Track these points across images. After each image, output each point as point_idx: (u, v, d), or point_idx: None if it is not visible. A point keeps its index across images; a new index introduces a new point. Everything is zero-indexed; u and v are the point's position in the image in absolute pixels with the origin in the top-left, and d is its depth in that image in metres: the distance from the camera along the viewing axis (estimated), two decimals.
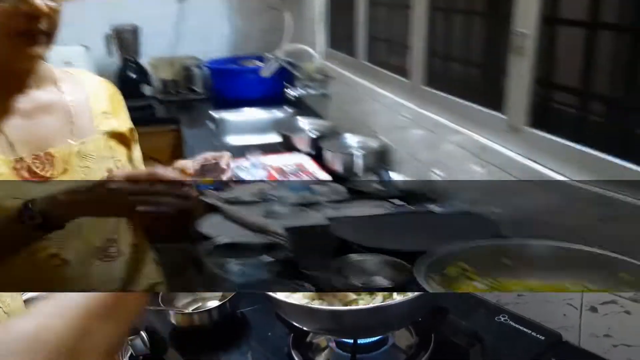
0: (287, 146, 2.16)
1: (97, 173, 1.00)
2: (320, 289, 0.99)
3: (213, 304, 1.05)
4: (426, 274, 0.81)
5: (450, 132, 1.54)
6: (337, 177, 1.82)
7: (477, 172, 1.43)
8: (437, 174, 1.67)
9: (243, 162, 1.87)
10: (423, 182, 1.71)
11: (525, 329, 0.80)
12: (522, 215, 1.24)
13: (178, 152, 2.62)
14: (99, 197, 0.86)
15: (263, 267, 1.09)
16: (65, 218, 0.87)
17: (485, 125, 1.41)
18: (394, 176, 1.77)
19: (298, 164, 1.91)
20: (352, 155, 1.91)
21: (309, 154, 2.05)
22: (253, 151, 1.89)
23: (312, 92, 2.67)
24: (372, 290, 0.95)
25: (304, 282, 1.02)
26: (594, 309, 0.78)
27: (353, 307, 0.79)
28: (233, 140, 2.64)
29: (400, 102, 1.87)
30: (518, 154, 1.27)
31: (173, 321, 1.00)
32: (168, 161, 2.70)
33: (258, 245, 1.22)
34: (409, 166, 1.85)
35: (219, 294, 1.09)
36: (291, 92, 2.65)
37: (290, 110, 2.82)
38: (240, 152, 2.00)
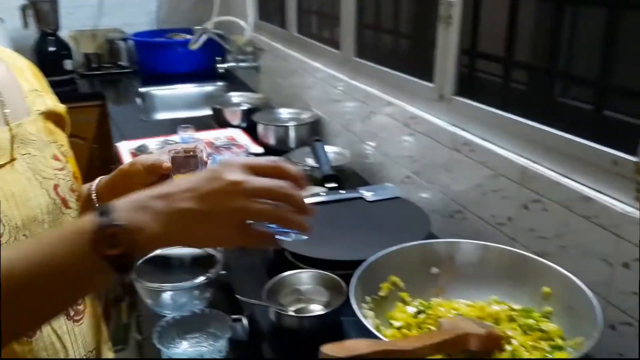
0: (218, 120, 2.12)
1: (41, 162, 0.79)
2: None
3: (316, 308, 1.00)
4: (361, 298, 0.79)
5: (382, 103, 1.55)
6: (270, 150, 1.81)
7: (407, 141, 1.45)
8: (370, 145, 1.68)
9: (173, 138, 1.82)
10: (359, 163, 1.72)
11: None
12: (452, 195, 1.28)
13: (104, 129, 2.52)
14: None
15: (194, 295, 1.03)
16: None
17: (415, 95, 1.43)
18: (328, 148, 1.77)
19: (230, 138, 1.88)
20: (285, 127, 1.90)
21: (241, 128, 2.02)
22: (184, 126, 1.84)
23: (243, 65, 2.63)
24: (305, 318, 0.92)
25: (240, 316, 0.97)
26: None
27: None
28: (162, 115, 2.56)
29: (332, 74, 1.86)
30: (446, 122, 1.30)
31: (272, 318, 0.96)
32: (93, 139, 2.63)
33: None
34: (343, 138, 1.85)
35: (325, 299, 1.00)
36: (222, 66, 2.59)
37: (221, 83, 2.77)
38: (170, 127, 1.95)
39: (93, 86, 2.86)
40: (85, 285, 0.57)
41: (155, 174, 0.88)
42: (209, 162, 0.96)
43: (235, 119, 2.08)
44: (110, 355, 0.95)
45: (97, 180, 0.99)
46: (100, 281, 0.57)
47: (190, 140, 1.80)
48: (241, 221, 0.57)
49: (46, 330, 0.73)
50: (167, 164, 0.88)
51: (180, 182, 0.59)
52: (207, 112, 2.23)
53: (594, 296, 0.72)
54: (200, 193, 0.56)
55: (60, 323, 0.76)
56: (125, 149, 1.81)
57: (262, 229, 0.60)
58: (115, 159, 1.83)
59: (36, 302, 0.54)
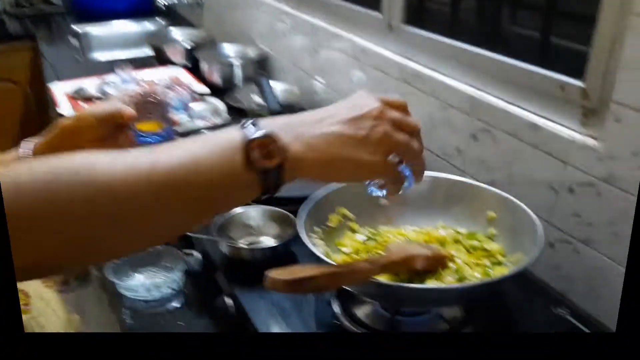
0: (160, 59, 2.02)
1: None
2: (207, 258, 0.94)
3: (267, 241, 0.98)
4: (310, 228, 0.78)
5: (330, 36, 1.50)
6: (215, 89, 1.74)
7: (357, 75, 1.42)
8: (319, 81, 1.64)
9: (112, 78, 1.72)
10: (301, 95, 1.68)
11: (582, 327, 0.77)
12: None
13: (36, 71, 2.37)
14: None
15: None
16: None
17: (364, 26, 1.38)
18: (276, 86, 1.72)
19: (173, 77, 1.80)
20: (230, 65, 1.83)
21: (184, 66, 1.93)
22: (123, 66, 1.75)
23: (184, 0, 2.50)
24: (257, 250, 0.92)
25: (192, 251, 0.97)
26: None
27: (408, 285, 0.70)
28: (100, 56, 2.42)
29: (278, 7, 1.79)
30: (395, 53, 1.26)
31: (225, 251, 0.94)
32: (27, 83, 2.48)
33: None
34: (291, 74, 1.80)
35: (276, 232, 0.99)
36: (162, 2, 2.46)
37: (161, 21, 2.63)
38: (108, 68, 1.84)
39: (24, 26, 2.67)
40: (227, 199, 0.50)
41: (111, 126, 0.74)
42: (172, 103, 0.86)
43: (178, 58, 1.99)
44: None
45: (28, 145, 0.77)
46: (243, 197, 0.51)
47: (129, 80, 1.71)
48: (389, 150, 0.54)
49: None
50: (130, 111, 0.74)
51: (318, 111, 0.54)
52: (148, 51, 2.12)
53: (536, 216, 0.74)
54: (347, 118, 0.53)
55: None
56: (60, 91, 1.70)
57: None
58: (51, 103, 1.73)
59: (175, 209, 0.47)
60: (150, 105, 0.79)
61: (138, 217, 0.44)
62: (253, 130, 0.48)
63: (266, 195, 0.49)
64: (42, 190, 0.40)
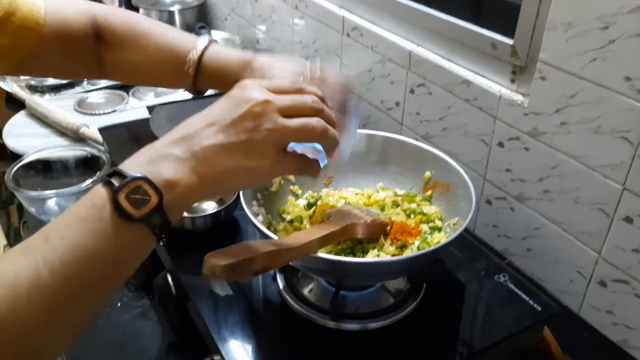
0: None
1: None
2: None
3: (209, 207, 0.94)
4: (252, 195, 0.77)
5: None
6: None
7: (298, 25, 1.40)
8: (260, 30, 1.61)
9: None
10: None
11: (523, 295, 0.76)
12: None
13: None
14: None
15: None
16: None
17: None
18: (217, 35, 1.68)
19: None
20: (169, 12, 1.77)
21: None
22: None
23: None
24: (198, 217, 0.88)
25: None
26: (603, 284, 0.80)
27: (347, 259, 0.69)
28: None
29: None
30: (335, 4, 1.26)
31: None
32: None
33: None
34: (232, 22, 1.76)
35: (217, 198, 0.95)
36: None
37: None
38: None
39: None
40: (130, 262, 0.46)
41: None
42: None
43: (112, 3, 1.90)
44: None
45: (205, 44, 0.76)
46: (144, 250, 0.46)
47: None
48: (280, 145, 0.50)
49: None
50: None
51: (194, 119, 0.49)
52: None
53: (468, 178, 0.77)
54: (225, 124, 0.48)
55: None
56: None
57: (297, 152, 0.53)
58: None
59: (83, 300, 0.43)
60: None
61: (41, 335, 0.41)
62: (117, 182, 0.44)
63: (162, 240, 0.46)
64: None
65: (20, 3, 0.68)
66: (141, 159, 0.46)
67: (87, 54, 0.77)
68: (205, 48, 0.75)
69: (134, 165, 0.45)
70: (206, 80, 0.76)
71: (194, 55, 0.74)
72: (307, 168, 0.55)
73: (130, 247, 0.45)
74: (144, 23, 0.78)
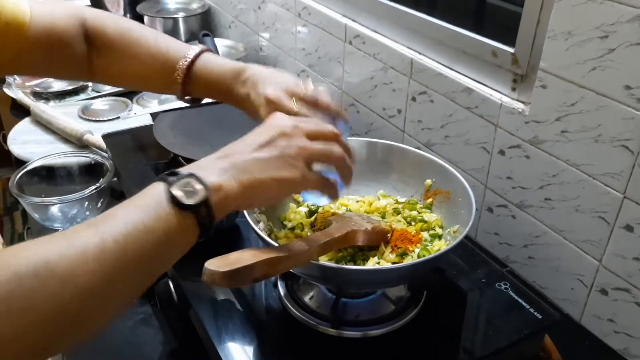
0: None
1: None
2: None
3: None
4: None
5: None
6: None
7: (301, 32, 1.41)
8: (263, 38, 1.62)
9: None
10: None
11: (524, 303, 0.76)
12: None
13: None
14: None
15: None
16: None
17: None
18: (220, 42, 1.69)
19: None
20: (173, 19, 1.78)
21: None
22: None
23: None
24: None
25: None
26: (604, 292, 0.80)
27: (348, 266, 0.70)
28: None
29: None
30: (338, 12, 1.26)
31: None
32: None
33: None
34: (235, 30, 1.77)
35: None
36: None
37: None
38: None
39: None
40: (173, 252, 0.51)
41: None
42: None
43: (117, 10, 1.92)
44: None
45: (197, 52, 0.78)
46: (185, 244, 0.52)
47: None
48: (307, 161, 0.59)
49: None
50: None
51: (235, 143, 0.58)
52: (84, 0, 2.03)
53: (469, 186, 0.77)
54: (261, 143, 0.57)
55: None
56: None
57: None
58: None
59: (130, 279, 0.48)
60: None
61: (101, 297, 0.45)
62: (172, 178, 0.51)
63: (204, 236, 0.52)
64: (5, 300, 0.39)
65: (4, 5, 0.69)
66: (190, 168, 0.54)
67: (75, 56, 0.78)
68: (197, 56, 0.77)
69: (184, 170, 0.53)
70: (197, 88, 0.78)
71: (185, 62, 0.77)
72: (328, 187, 0.62)
73: (179, 233, 0.50)
74: (135, 29, 0.79)
